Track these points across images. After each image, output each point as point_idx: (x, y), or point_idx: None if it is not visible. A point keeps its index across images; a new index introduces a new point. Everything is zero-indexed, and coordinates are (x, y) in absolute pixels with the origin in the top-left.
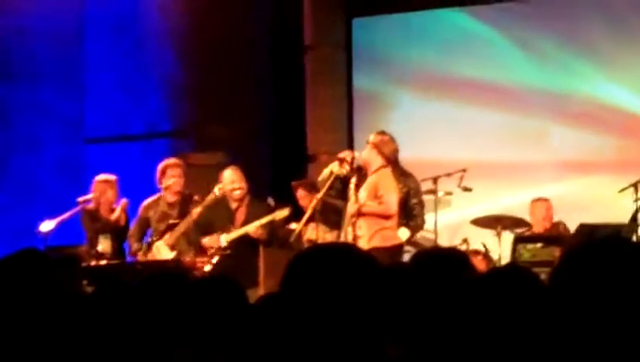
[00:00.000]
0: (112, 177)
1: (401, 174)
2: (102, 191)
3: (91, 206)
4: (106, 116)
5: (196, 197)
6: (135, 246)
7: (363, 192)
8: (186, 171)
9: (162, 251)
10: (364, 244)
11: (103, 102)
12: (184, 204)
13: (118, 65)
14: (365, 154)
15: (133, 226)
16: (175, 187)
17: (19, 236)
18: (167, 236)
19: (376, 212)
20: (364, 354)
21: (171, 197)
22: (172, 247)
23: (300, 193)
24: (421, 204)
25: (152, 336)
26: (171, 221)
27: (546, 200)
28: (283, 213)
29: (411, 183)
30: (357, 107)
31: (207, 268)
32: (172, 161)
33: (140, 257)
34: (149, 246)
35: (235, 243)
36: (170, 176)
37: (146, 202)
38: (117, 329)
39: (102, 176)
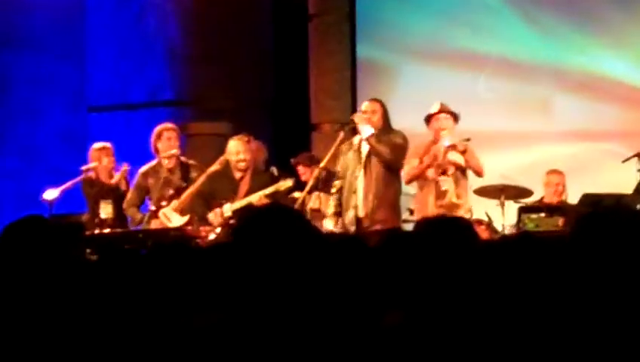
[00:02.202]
0: (107, 144)
1: (386, 133)
2: (98, 158)
3: (90, 175)
4: (108, 85)
5: (193, 162)
6: (139, 215)
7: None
8: (180, 136)
9: (172, 217)
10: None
11: (105, 71)
12: (184, 169)
13: (120, 34)
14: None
15: (130, 193)
16: (171, 150)
17: (23, 204)
18: (174, 201)
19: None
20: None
21: (169, 163)
22: (181, 212)
23: (300, 169)
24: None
25: (163, 303)
26: (177, 186)
27: (561, 172)
28: (287, 183)
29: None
30: (360, 76)
31: (211, 236)
32: (167, 125)
33: (144, 226)
34: (154, 213)
35: (238, 213)
36: (167, 139)
37: (143, 169)
38: (123, 296)
39: (97, 144)
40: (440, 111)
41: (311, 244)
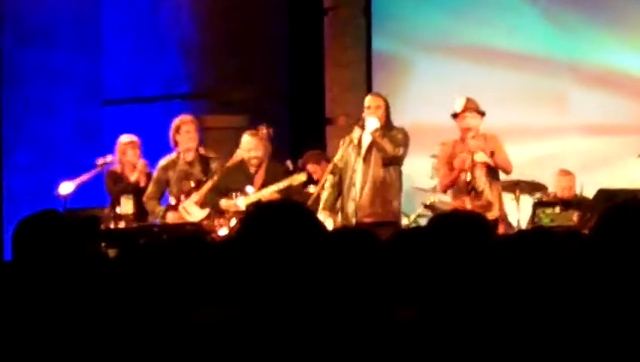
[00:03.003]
0: (134, 138)
1: (388, 129)
2: (124, 152)
3: (115, 168)
4: (123, 78)
5: (212, 154)
6: (158, 208)
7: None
8: (199, 129)
9: (192, 211)
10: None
11: (120, 64)
12: (204, 162)
13: (135, 27)
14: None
15: (150, 187)
16: (190, 143)
17: (38, 198)
18: (194, 195)
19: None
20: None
21: (189, 156)
22: (202, 205)
23: (310, 168)
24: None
25: (173, 297)
26: (197, 179)
27: (571, 173)
28: (300, 177)
29: (395, 131)
30: (375, 69)
31: (224, 231)
32: (186, 117)
33: (161, 220)
34: (172, 207)
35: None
36: (186, 132)
37: (162, 162)
38: (135, 290)
39: (124, 137)
40: (465, 110)
41: (318, 240)
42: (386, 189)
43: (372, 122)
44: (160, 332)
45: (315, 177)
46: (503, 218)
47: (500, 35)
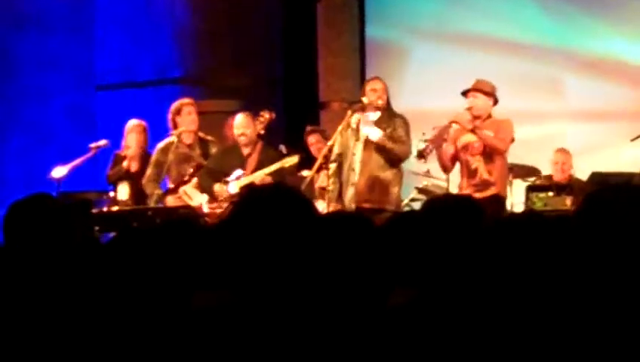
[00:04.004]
0: (142, 122)
1: (389, 116)
2: (125, 136)
3: (121, 151)
4: (116, 63)
5: (210, 138)
6: (157, 191)
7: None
8: (198, 112)
9: (193, 195)
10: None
11: (114, 49)
12: (203, 145)
13: (128, 12)
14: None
15: (149, 169)
16: (192, 125)
17: (31, 183)
18: (195, 179)
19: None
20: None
21: (188, 138)
22: (203, 189)
23: (312, 139)
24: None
25: (164, 280)
26: (197, 162)
27: (567, 152)
28: (292, 160)
29: (397, 121)
30: (369, 56)
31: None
32: (186, 100)
33: (159, 203)
34: (172, 190)
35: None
36: (187, 113)
37: (161, 145)
38: (129, 273)
39: (132, 121)
40: (470, 90)
41: (310, 224)
42: (385, 177)
43: (374, 132)
44: (153, 314)
45: (312, 149)
46: (499, 199)
47: (494, 22)
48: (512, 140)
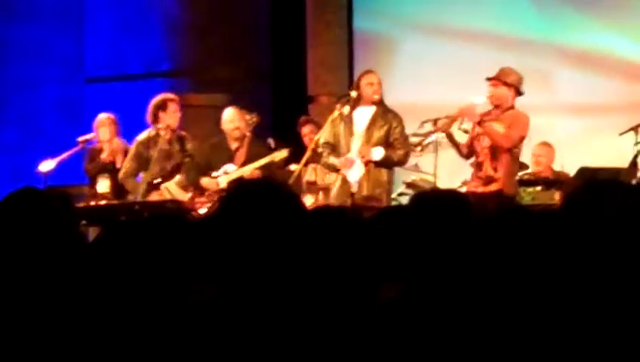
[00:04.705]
0: (108, 115)
1: (383, 111)
2: (96, 129)
3: (95, 145)
4: (105, 56)
5: (184, 133)
6: (141, 187)
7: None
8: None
9: (175, 192)
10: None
11: (103, 42)
12: (180, 141)
13: (117, 5)
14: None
15: (128, 163)
16: (175, 122)
17: (20, 176)
18: (177, 176)
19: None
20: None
21: (167, 133)
22: (184, 187)
23: (306, 129)
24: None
25: (152, 275)
26: (176, 158)
27: (549, 145)
28: (281, 154)
29: (393, 121)
30: (357, 48)
31: (204, 210)
32: (170, 95)
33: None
34: (154, 186)
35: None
36: (173, 110)
37: (140, 138)
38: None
39: (100, 115)
40: (492, 78)
41: (298, 218)
42: (382, 174)
43: (377, 152)
44: (142, 308)
45: (305, 139)
46: (501, 195)
47: (482, 15)
48: (522, 138)
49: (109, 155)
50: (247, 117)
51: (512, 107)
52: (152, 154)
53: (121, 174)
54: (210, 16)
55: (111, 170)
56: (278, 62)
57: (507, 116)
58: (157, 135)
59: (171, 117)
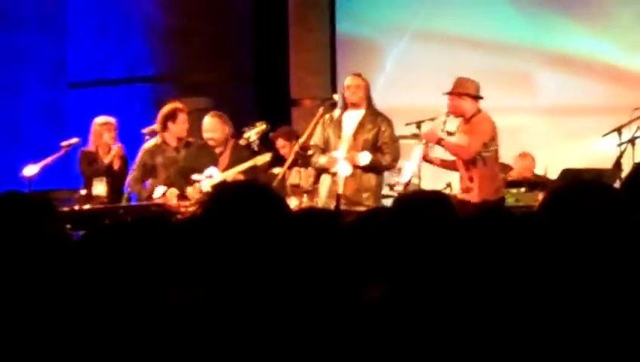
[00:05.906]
0: (110, 120)
1: (372, 114)
2: (99, 134)
3: (90, 148)
4: (88, 61)
5: (192, 139)
6: (145, 192)
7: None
8: None
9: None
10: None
11: (85, 47)
12: (188, 148)
13: (99, 9)
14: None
15: (136, 171)
16: (184, 132)
17: (2, 181)
18: (190, 188)
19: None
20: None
21: (173, 141)
22: (176, 188)
23: (280, 143)
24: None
25: (136, 277)
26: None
27: (529, 155)
28: (264, 158)
29: (382, 124)
30: (340, 52)
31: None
32: (180, 105)
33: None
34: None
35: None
36: (182, 121)
37: (147, 146)
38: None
39: (100, 119)
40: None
41: (281, 221)
42: (369, 179)
43: (363, 157)
44: (126, 310)
45: (282, 152)
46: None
47: (465, 19)
48: (484, 144)
49: (110, 159)
50: (258, 124)
51: (475, 114)
52: (158, 162)
53: (128, 180)
54: (192, 20)
55: (110, 173)
56: (261, 65)
57: (471, 124)
58: (163, 143)
59: (180, 127)
